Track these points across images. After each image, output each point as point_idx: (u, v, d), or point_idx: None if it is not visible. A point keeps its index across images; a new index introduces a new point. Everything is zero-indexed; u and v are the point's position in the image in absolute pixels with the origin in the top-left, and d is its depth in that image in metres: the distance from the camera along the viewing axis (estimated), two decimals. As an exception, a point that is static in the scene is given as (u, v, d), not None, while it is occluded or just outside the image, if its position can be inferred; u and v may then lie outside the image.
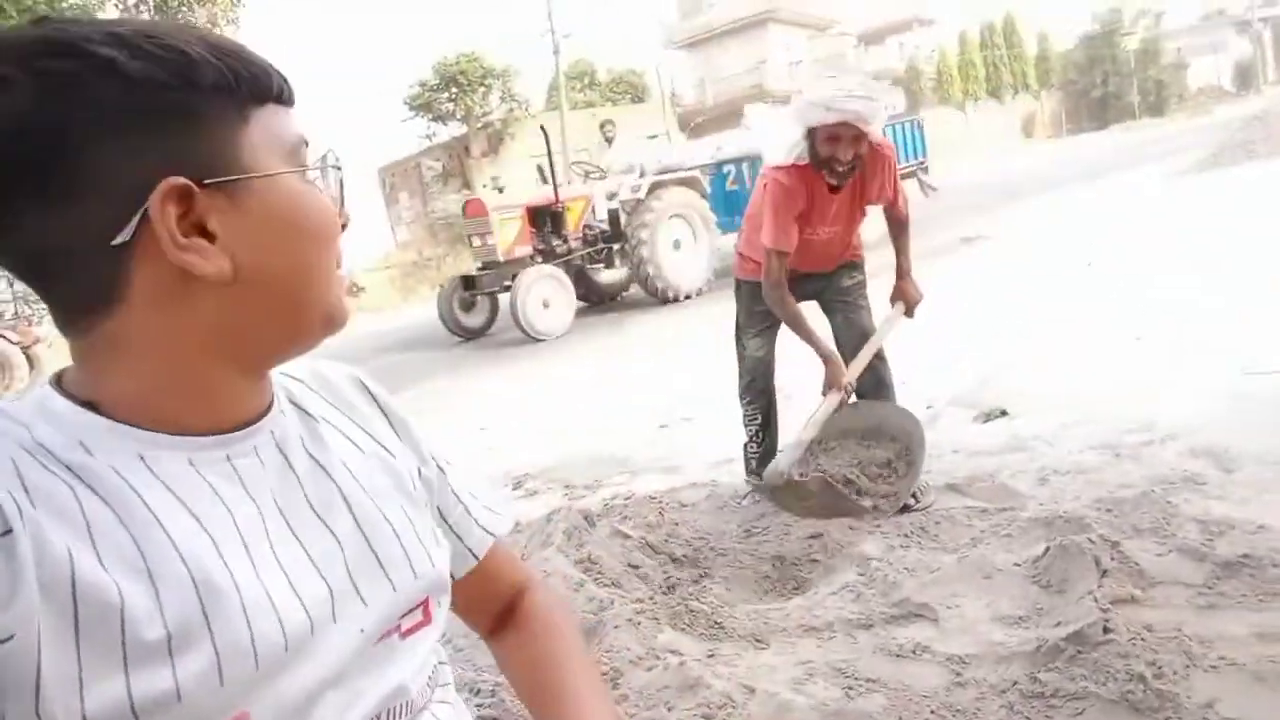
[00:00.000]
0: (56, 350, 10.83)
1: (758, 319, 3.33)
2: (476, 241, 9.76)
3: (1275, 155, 12.95)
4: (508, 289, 9.21)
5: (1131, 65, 43.88)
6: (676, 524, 3.07)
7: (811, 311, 3.22)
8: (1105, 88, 44.59)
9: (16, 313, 12.58)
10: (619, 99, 30.42)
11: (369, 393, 0.78)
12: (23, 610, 0.47)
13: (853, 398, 3.21)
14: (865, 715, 1.93)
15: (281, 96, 0.61)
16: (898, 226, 3.28)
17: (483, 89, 26.89)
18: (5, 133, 0.51)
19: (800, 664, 2.20)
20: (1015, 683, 2.00)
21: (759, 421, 3.39)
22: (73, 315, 0.56)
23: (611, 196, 10.28)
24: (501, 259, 9.45)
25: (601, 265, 10.43)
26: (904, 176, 9.72)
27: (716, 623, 2.44)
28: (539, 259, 9.73)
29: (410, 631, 0.69)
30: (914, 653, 2.21)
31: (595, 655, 2.26)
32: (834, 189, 3.00)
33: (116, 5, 14.99)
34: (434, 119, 27.11)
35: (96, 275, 0.55)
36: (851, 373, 3.12)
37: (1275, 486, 2.73)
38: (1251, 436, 3.10)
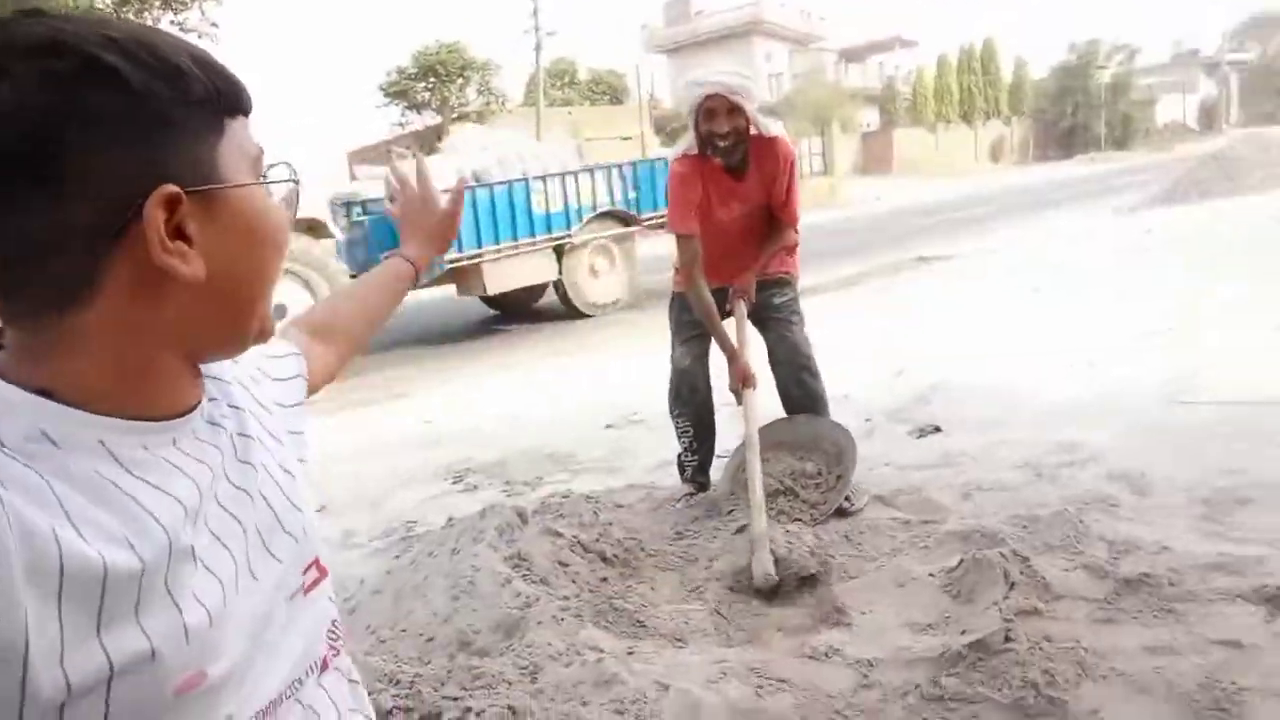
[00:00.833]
0: None
1: (684, 328, 3.40)
2: None
3: (1228, 194, 13.34)
4: None
5: (1102, 98, 44.76)
6: (610, 524, 3.11)
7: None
8: (1074, 118, 45.39)
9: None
10: (597, 99, 30.45)
11: (261, 363, 0.86)
12: (6, 592, 0.49)
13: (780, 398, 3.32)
14: (773, 714, 1.99)
15: (248, 109, 0.67)
16: (777, 232, 3.31)
17: (461, 80, 26.79)
18: (5, 121, 0.53)
19: (715, 663, 2.25)
20: (917, 686, 2.07)
21: (690, 433, 3.44)
22: (35, 307, 0.58)
23: None
24: None
25: None
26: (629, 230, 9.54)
27: (639, 621, 2.50)
28: None
29: (311, 587, 0.75)
30: (826, 655, 2.28)
31: (517, 649, 2.31)
32: (729, 172, 3.14)
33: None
34: (409, 107, 26.95)
35: (73, 271, 0.57)
36: (742, 349, 3.23)
37: (1183, 511, 2.85)
38: (1168, 463, 3.23)
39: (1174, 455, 3.30)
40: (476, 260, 8.84)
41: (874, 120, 39.86)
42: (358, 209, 8.30)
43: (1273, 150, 15.65)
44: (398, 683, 2.17)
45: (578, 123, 24.43)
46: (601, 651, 2.29)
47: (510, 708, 1.97)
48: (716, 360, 3.34)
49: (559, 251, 9.61)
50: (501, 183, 9.02)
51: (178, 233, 0.59)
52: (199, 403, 0.68)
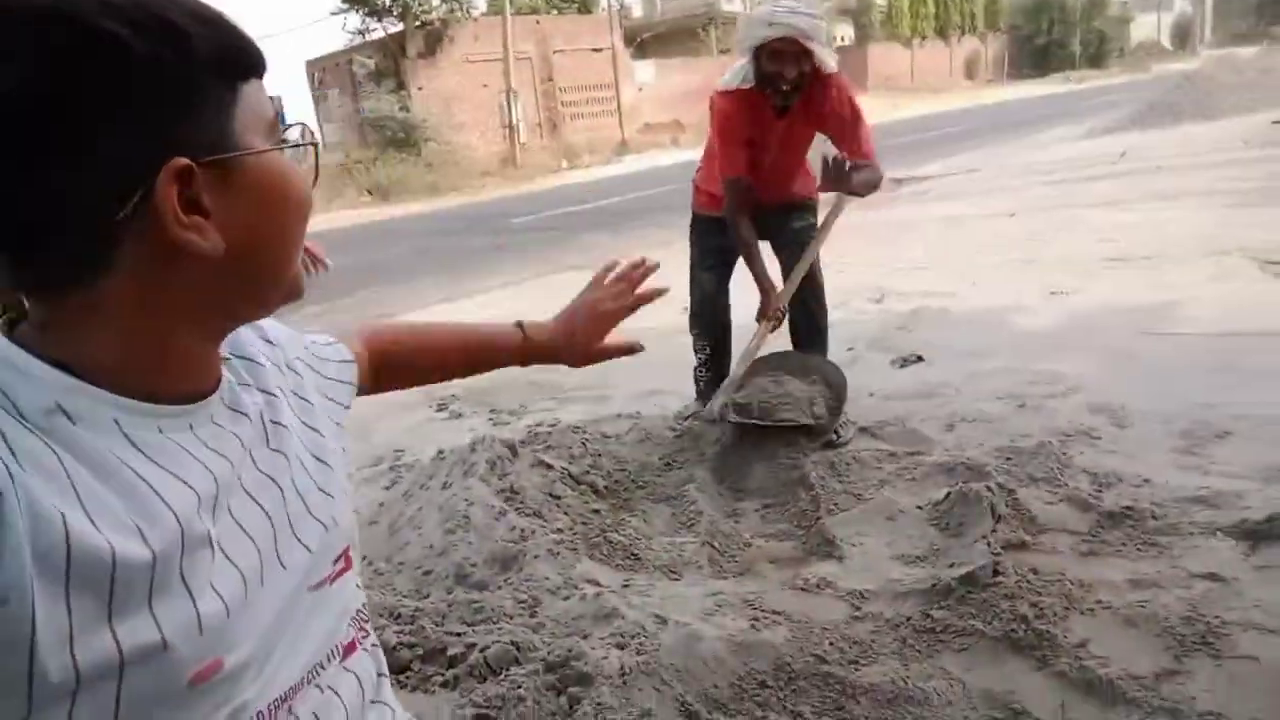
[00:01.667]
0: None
1: (710, 255, 3.37)
2: None
3: (1201, 118, 13.35)
4: None
5: (1077, 15, 44.23)
6: (599, 455, 3.13)
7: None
8: (1050, 35, 44.89)
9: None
10: (565, 7, 29.44)
11: (306, 357, 0.83)
12: (15, 575, 0.47)
13: (785, 323, 3.30)
14: (770, 645, 2.03)
15: (262, 71, 0.62)
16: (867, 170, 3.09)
17: (423, -15, 25.68)
18: (9, 100, 0.50)
19: (711, 595, 2.30)
20: (909, 618, 2.13)
21: (707, 350, 3.48)
22: (52, 281, 0.56)
23: None
24: None
25: None
26: None
27: (633, 554, 2.53)
28: None
29: (336, 577, 0.74)
30: (818, 587, 2.33)
31: (514, 583, 2.33)
32: (779, 112, 3.03)
33: None
34: (369, 14, 25.86)
35: (87, 246, 0.55)
36: (786, 292, 3.18)
37: (1162, 444, 2.92)
38: (1144, 395, 3.29)
39: (1152, 387, 3.37)
40: None
41: (849, 35, 39.07)
42: None
43: (1246, 72, 15.71)
44: (399, 617, 2.19)
45: (546, 32, 23.66)
46: (599, 585, 2.32)
47: (514, 643, 1.99)
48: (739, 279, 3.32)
49: None
50: None
51: (194, 205, 0.56)
52: (218, 385, 0.66)
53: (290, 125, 0.67)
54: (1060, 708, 1.77)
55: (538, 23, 24.04)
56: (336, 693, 0.72)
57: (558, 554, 2.43)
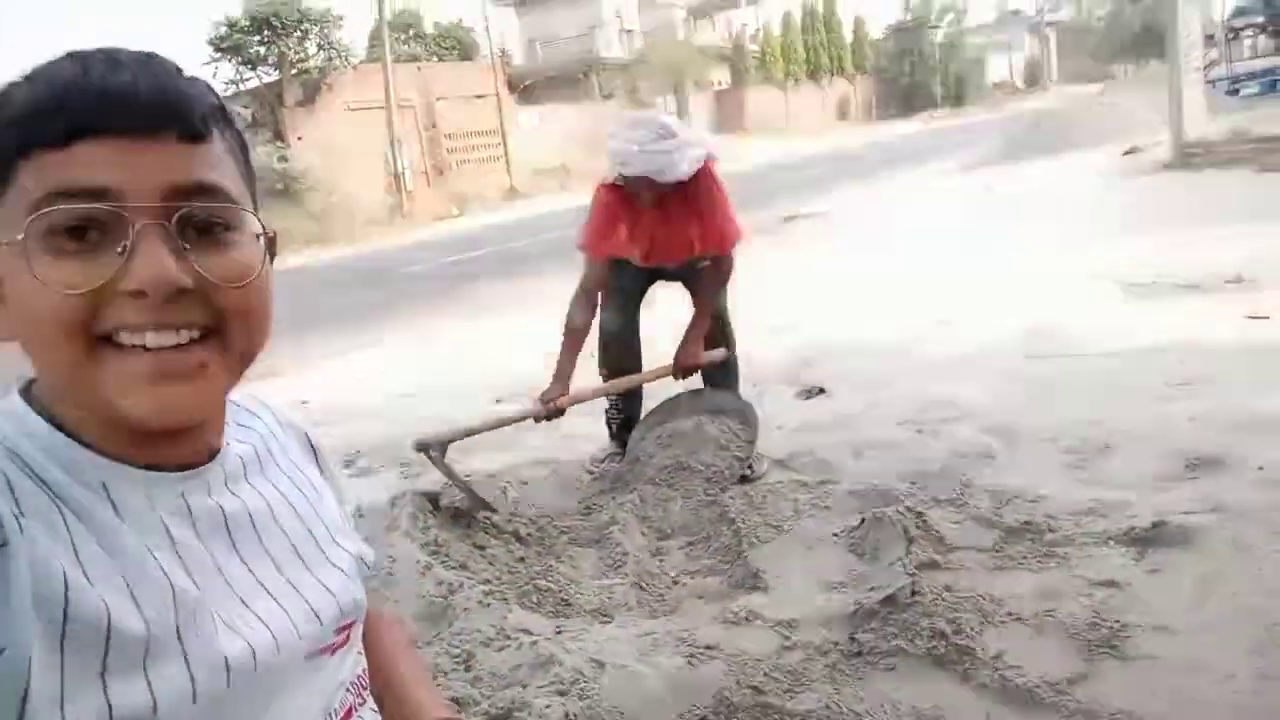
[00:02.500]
0: None
1: (617, 294, 3.43)
2: None
3: (1058, 151, 14.36)
4: None
5: (937, 58, 46.97)
6: (519, 502, 3.12)
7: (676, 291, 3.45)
8: (912, 77, 47.49)
9: None
10: (445, 54, 29.37)
11: (310, 445, 0.82)
12: (16, 625, 0.47)
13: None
14: (707, 681, 2.06)
15: (67, 134, 0.54)
16: (711, 277, 3.32)
17: (299, 34, 25.24)
18: None
19: (644, 635, 2.31)
20: (836, 643, 2.20)
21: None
22: None
23: None
24: None
25: None
26: None
27: (564, 599, 2.53)
28: None
29: (337, 648, 0.73)
30: (747, 619, 2.38)
31: (446, 638, 2.29)
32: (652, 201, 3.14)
33: None
34: (243, 63, 25.20)
35: None
36: (572, 398, 3.16)
37: (1052, 460, 3.12)
38: (1031, 415, 3.51)
39: (1039, 406, 3.60)
40: None
41: (725, 78, 40.37)
42: None
43: (1093, 108, 16.98)
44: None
45: (428, 79, 23.57)
46: (532, 633, 2.30)
47: (454, 699, 1.96)
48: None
49: None
50: None
51: None
52: (215, 455, 0.65)
53: (45, 211, 0.53)
54: (986, 718, 1.87)
55: (419, 70, 23.94)
56: None
57: (488, 605, 2.41)
